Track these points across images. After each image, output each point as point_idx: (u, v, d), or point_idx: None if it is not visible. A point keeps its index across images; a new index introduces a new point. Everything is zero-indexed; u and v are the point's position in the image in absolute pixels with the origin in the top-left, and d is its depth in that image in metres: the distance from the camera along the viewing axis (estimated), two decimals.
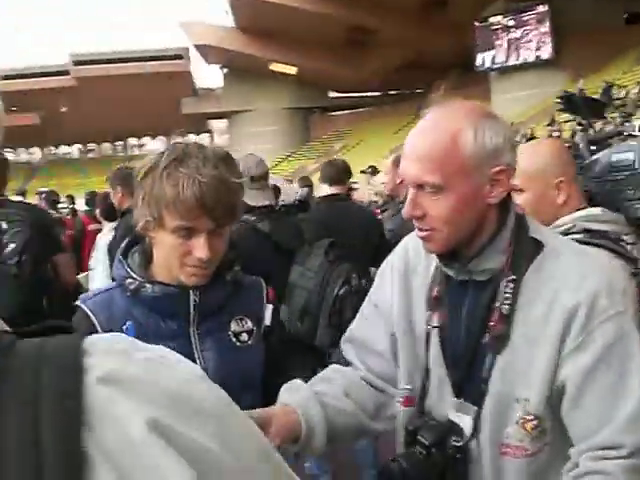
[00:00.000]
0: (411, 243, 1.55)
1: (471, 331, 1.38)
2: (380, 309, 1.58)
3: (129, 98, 42.56)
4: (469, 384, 1.38)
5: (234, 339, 1.64)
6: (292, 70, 37.22)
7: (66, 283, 4.10)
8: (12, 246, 3.64)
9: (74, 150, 53.71)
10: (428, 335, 1.45)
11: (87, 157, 50.60)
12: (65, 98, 41.64)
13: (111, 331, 1.48)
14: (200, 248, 1.49)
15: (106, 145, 52.95)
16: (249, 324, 1.68)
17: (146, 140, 51.58)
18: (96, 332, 1.51)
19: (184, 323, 1.59)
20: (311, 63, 36.90)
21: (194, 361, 1.54)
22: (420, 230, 1.38)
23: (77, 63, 42.77)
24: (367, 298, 1.65)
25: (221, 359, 1.60)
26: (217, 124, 46.61)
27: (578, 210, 1.91)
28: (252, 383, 1.65)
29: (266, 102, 40.91)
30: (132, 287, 1.57)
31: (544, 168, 1.93)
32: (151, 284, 1.56)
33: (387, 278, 1.57)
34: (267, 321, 1.71)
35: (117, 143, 53.30)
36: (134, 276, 1.56)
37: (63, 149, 53.79)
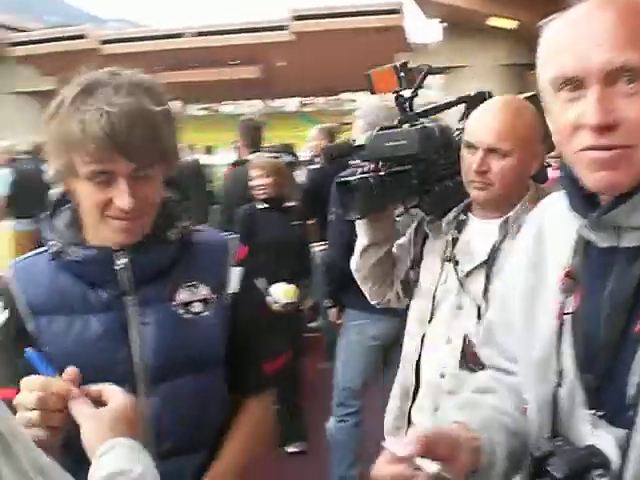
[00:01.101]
0: (550, 207, 1.23)
1: (615, 319, 1.02)
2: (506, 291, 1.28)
3: (344, 53, 43.13)
4: (610, 392, 1.02)
5: (181, 310, 1.40)
6: (512, 24, 36.13)
7: None
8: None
9: (290, 103, 56.42)
10: (561, 325, 1.09)
11: (303, 111, 52.46)
12: (284, 52, 42.98)
13: (37, 300, 1.38)
14: (120, 196, 1.28)
15: (320, 99, 54.94)
16: (204, 291, 1.43)
17: (359, 95, 52.71)
18: (14, 304, 1.38)
19: (116, 292, 1.37)
20: (532, 17, 35.02)
21: (129, 336, 1.36)
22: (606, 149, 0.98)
23: (296, 18, 44.05)
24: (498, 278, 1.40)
25: (163, 334, 1.38)
26: (432, 80, 46.17)
27: None
28: (208, 362, 1.42)
29: (483, 58, 39.59)
30: (54, 250, 1.38)
31: None
32: (75, 246, 1.26)
33: (519, 253, 1.28)
34: (232, 287, 1.45)
35: (331, 98, 55.08)
36: (55, 238, 1.38)
37: (280, 102, 56.72)
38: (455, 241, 1.83)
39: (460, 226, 1.86)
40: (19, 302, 1.39)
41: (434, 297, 1.89)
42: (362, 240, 2.00)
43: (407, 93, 1.91)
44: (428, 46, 47.02)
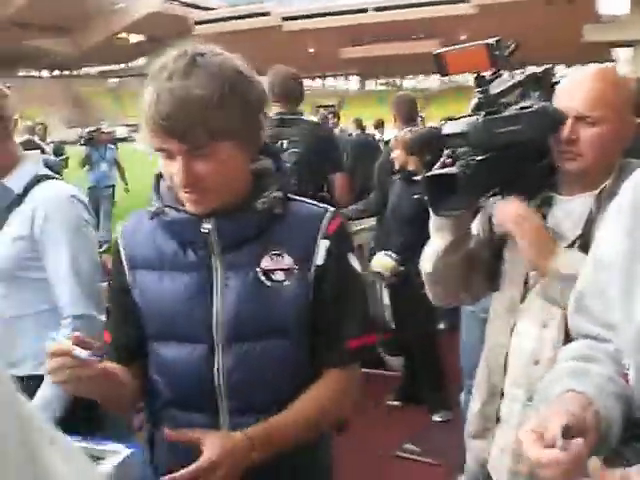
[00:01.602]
0: None
1: None
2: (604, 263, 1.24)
3: (529, 24, 41.39)
4: None
5: (263, 277, 1.44)
6: None
7: (338, 203, 4.19)
8: (286, 166, 3.80)
9: (470, 77, 55.25)
10: None
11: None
12: (465, 25, 42.02)
13: (135, 255, 1.51)
14: (177, 172, 1.35)
15: (504, 74, 53.02)
16: (288, 261, 1.45)
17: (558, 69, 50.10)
18: (120, 255, 1.52)
19: (204, 254, 1.44)
20: None
21: (212, 296, 1.44)
22: None
23: None
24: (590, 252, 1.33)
25: (243, 297, 1.43)
26: (622, 53, 43.05)
27: None
28: (283, 330, 1.45)
29: None
30: (152, 210, 1.48)
31: None
32: (171, 208, 1.45)
33: (612, 222, 1.24)
34: (319, 260, 1.46)
35: (516, 72, 52.89)
36: (157, 199, 1.48)
37: (461, 76, 55.61)
38: (544, 219, 1.75)
39: (546, 206, 1.78)
40: (122, 256, 1.53)
41: (525, 283, 1.80)
42: (445, 237, 1.77)
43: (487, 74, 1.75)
44: (620, 17, 43.79)
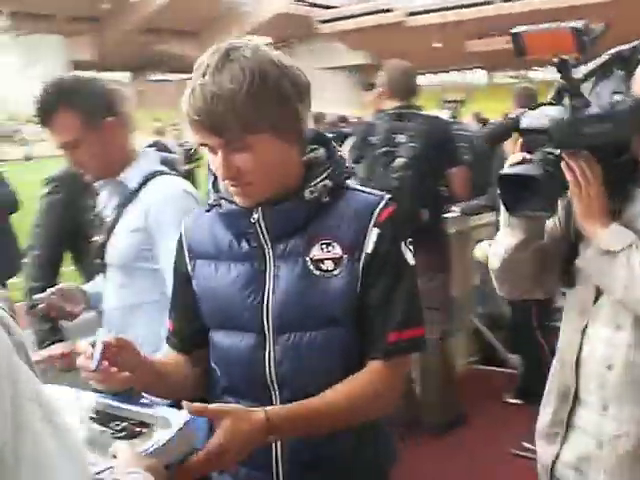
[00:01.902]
0: None
1: None
2: None
3: None
4: None
5: (312, 267, 1.44)
6: None
7: (457, 197, 4.16)
8: (400, 160, 3.78)
9: None
10: None
11: None
12: (598, 14, 40.05)
13: (195, 246, 1.57)
14: (217, 166, 1.38)
15: None
16: (337, 250, 1.43)
17: None
18: (182, 246, 1.59)
19: (256, 244, 1.47)
20: None
21: (264, 286, 1.46)
22: None
23: None
24: None
25: (292, 287, 1.44)
26: None
27: None
28: (331, 320, 1.44)
29: None
30: (209, 202, 1.53)
31: None
32: (225, 201, 1.49)
33: None
34: (369, 248, 1.43)
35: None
36: (213, 192, 1.53)
37: None
38: (619, 214, 1.57)
39: (628, 202, 1.59)
40: (184, 246, 1.59)
41: None
42: (517, 235, 1.63)
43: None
44: None
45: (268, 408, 1.37)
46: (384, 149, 3.95)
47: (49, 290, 2.35)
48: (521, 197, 1.52)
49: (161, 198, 2.17)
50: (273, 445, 1.46)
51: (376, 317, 1.45)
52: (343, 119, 9.30)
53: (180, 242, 1.60)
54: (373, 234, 1.44)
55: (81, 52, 44.09)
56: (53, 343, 2.59)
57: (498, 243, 1.71)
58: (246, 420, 1.32)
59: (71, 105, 2.10)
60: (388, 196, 1.50)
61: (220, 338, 1.55)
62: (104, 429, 1.32)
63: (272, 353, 1.47)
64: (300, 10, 62.70)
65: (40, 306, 2.35)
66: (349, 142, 4.65)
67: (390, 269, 1.46)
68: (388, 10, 31.19)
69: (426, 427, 4.23)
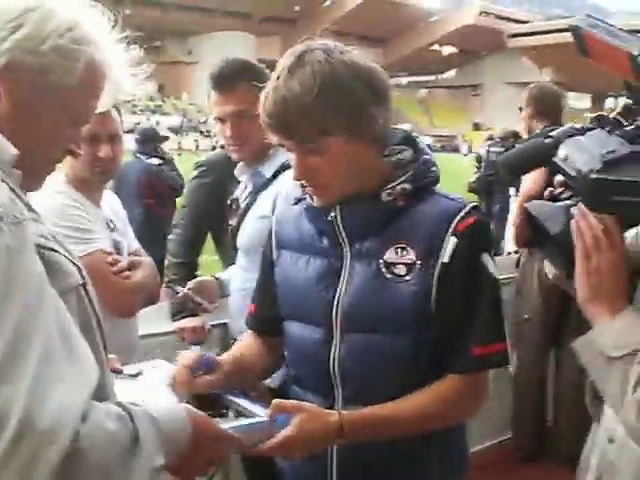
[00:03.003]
0: None
1: None
2: None
3: None
4: None
5: (384, 269, 1.42)
6: None
7: None
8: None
9: None
10: None
11: None
12: None
13: (282, 236, 1.61)
14: (293, 167, 1.41)
15: None
16: (411, 255, 1.41)
17: None
18: (271, 234, 1.65)
19: (334, 242, 1.48)
20: None
21: (338, 282, 1.48)
22: None
23: None
24: None
25: (363, 288, 1.44)
26: None
27: None
28: (399, 324, 1.41)
29: None
30: (297, 196, 1.56)
31: None
32: (309, 196, 1.50)
33: None
34: (445, 257, 1.39)
35: None
36: (300, 186, 1.53)
37: None
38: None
39: None
40: (272, 234, 1.64)
41: None
42: None
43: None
44: None
45: (344, 413, 1.39)
46: None
47: (189, 284, 2.52)
48: (544, 239, 1.28)
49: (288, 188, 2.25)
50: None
51: (456, 331, 1.42)
52: (514, 134, 9.08)
53: (270, 230, 1.65)
54: (450, 243, 1.39)
55: (269, 52, 45.85)
56: (186, 316, 2.72)
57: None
58: (321, 420, 1.35)
59: (254, 78, 2.16)
60: (472, 204, 1.45)
61: (292, 328, 1.58)
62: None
63: (337, 350, 1.48)
64: (490, 23, 61.70)
65: (178, 295, 2.55)
66: None
67: (469, 281, 1.41)
68: None
69: (553, 455, 4.04)
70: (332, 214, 1.46)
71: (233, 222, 2.46)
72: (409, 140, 1.52)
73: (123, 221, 2.42)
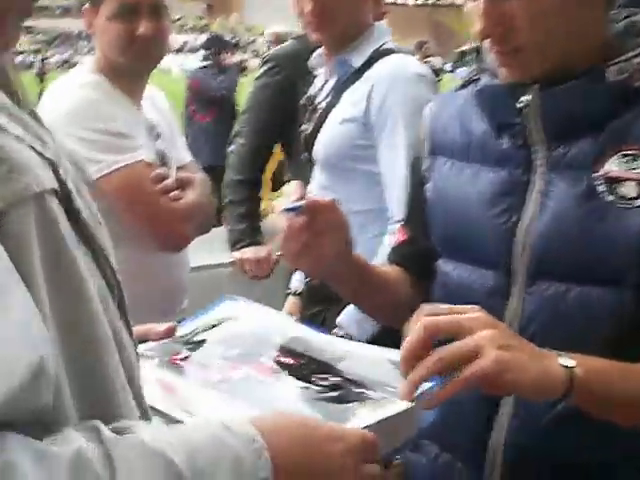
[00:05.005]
0: None
1: None
2: None
3: None
4: None
5: (603, 188, 0.99)
6: None
7: None
8: None
9: None
10: None
11: None
12: None
13: (436, 140, 1.20)
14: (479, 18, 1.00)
15: None
16: None
17: None
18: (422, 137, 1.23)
19: (519, 142, 1.06)
20: None
21: (523, 204, 1.05)
22: None
23: None
24: None
25: (565, 214, 1.01)
26: None
27: None
28: (616, 272, 0.98)
29: None
30: (466, 76, 1.19)
31: None
32: (484, 74, 1.11)
33: None
34: None
35: None
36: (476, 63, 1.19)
37: None
38: None
39: None
40: (424, 137, 1.23)
41: None
42: None
43: None
44: None
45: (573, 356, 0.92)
46: None
47: None
48: None
49: (388, 82, 1.77)
50: (491, 434, 1.05)
51: None
52: None
53: (420, 134, 1.23)
54: None
55: None
56: (248, 245, 2.39)
57: None
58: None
59: None
60: None
61: (449, 270, 1.16)
62: (306, 385, 0.89)
63: (518, 305, 1.06)
64: None
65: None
66: None
67: None
68: None
69: None
70: (525, 98, 1.02)
71: (308, 128, 1.99)
72: None
73: (171, 127, 1.94)
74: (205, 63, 6.43)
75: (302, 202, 1.02)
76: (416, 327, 0.85)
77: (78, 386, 0.58)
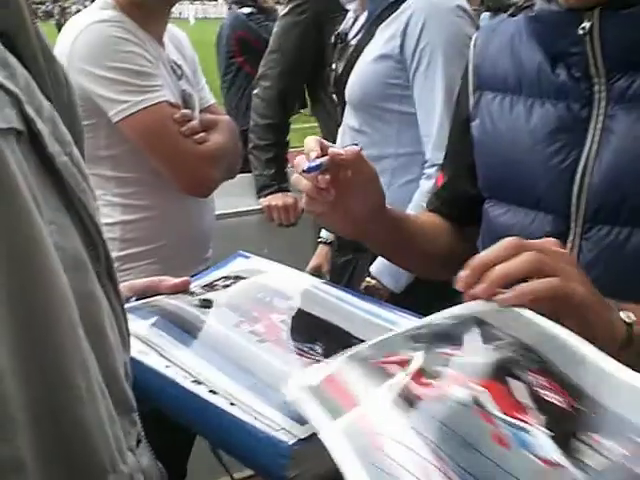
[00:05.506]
0: None
1: None
2: None
3: None
4: None
5: None
6: None
7: None
8: None
9: None
10: None
11: None
12: None
13: (483, 72, 1.10)
14: None
15: None
16: None
17: None
18: (467, 72, 1.14)
19: (577, 73, 0.96)
20: None
21: (584, 142, 0.96)
22: None
23: None
24: None
25: (631, 152, 0.92)
26: None
27: None
28: None
29: None
30: (517, 4, 1.07)
31: None
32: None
33: None
34: None
35: None
36: None
37: None
38: None
39: None
40: (469, 72, 1.12)
41: None
42: None
43: None
44: None
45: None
46: None
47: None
48: None
49: (427, 13, 1.65)
50: None
51: None
52: None
53: (466, 67, 1.13)
54: None
55: None
56: (276, 192, 2.33)
57: None
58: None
59: None
60: None
61: (498, 213, 1.07)
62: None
63: (577, 250, 0.99)
64: None
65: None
66: None
67: None
68: None
69: None
70: (586, 24, 0.92)
71: (338, 67, 1.87)
72: None
73: (193, 67, 1.83)
74: (248, 10, 6.29)
75: (324, 159, 0.93)
76: (498, 244, 0.80)
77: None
